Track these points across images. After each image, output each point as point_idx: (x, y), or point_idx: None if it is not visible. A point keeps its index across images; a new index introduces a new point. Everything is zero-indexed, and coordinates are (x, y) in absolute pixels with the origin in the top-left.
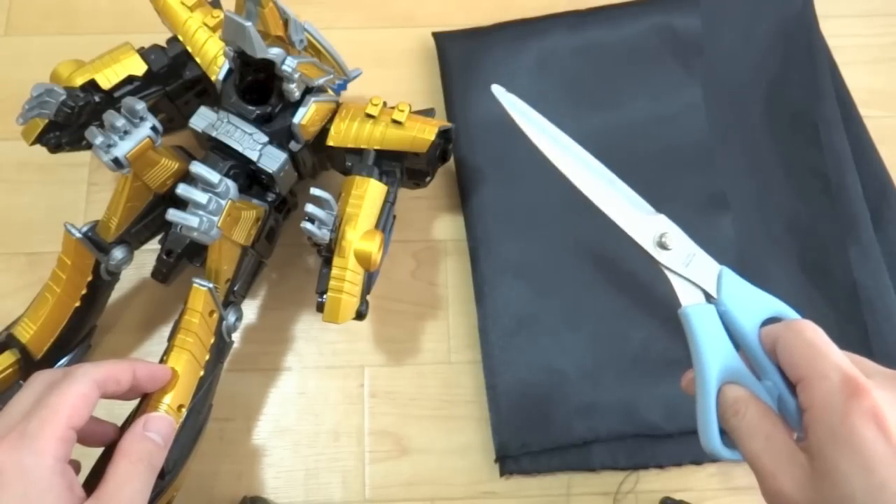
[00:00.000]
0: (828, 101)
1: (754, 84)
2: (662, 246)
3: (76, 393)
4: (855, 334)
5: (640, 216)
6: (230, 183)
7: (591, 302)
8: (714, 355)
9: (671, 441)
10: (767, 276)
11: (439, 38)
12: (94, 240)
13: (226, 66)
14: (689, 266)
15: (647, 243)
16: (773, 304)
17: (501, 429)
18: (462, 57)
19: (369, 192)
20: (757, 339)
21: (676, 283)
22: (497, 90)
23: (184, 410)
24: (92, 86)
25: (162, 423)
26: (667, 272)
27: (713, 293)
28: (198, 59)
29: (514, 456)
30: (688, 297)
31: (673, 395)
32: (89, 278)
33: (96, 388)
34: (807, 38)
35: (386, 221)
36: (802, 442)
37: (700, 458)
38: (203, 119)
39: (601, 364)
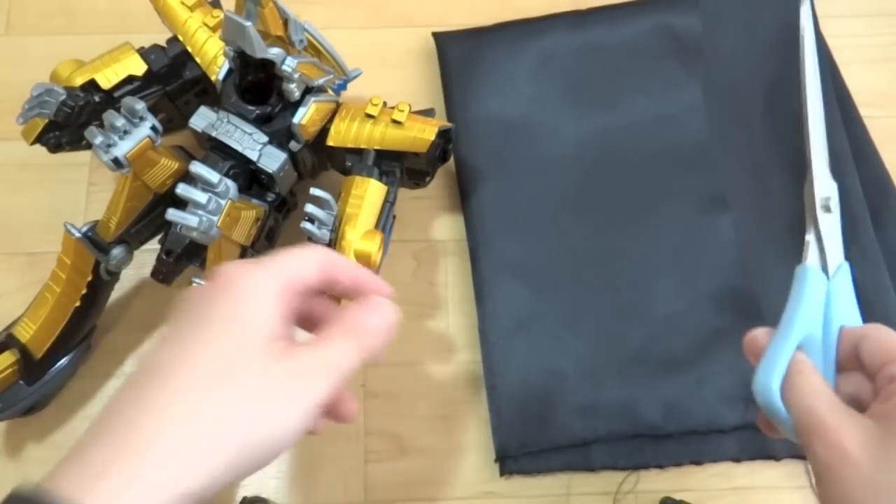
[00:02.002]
0: (828, 101)
1: (754, 84)
2: (826, 208)
3: (305, 259)
4: None
5: (825, 173)
6: (230, 183)
7: (590, 302)
8: (808, 316)
9: (671, 441)
10: (767, 276)
11: (439, 38)
12: (94, 240)
13: (226, 66)
14: (829, 239)
15: (818, 197)
16: (858, 318)
17: (501, 429)
18: (462, 57)
19: (369, 192)
20: (834, 335)
21: (812, 244)
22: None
23: None
24: (92, 86)
25: (391, 318)
26: (812, 229)
27: (829, 273)
28: (198, 59)
29: (514, 456)
30: (812, 260)
31: (673, 394)
32: (89, 278)
33: (321, 271)
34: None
35: (386, 221)
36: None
37: (700, 458)
38: (203, 119)
39: (601, 364)
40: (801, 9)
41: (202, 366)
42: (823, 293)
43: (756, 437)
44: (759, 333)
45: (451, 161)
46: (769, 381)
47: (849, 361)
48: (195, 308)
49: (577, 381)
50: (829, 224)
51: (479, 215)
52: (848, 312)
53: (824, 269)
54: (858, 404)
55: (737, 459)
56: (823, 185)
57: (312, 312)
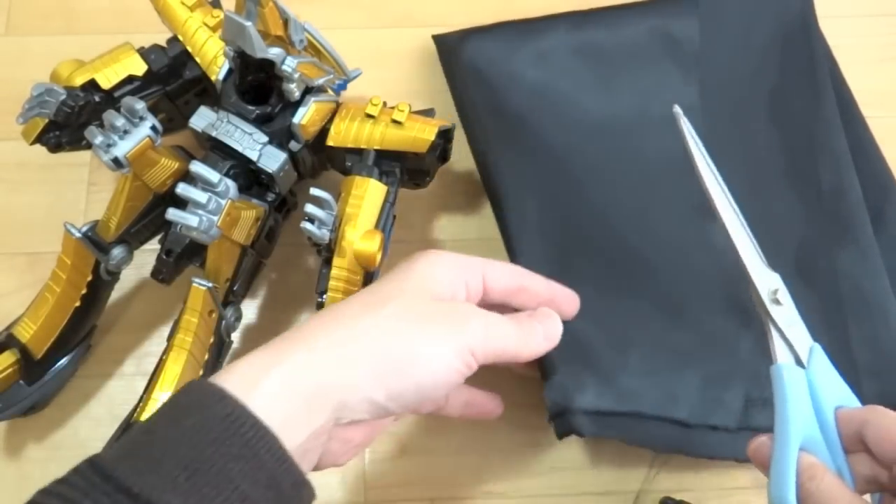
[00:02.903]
0: (827, 104)
1: (752, 90)
2: (776, 301)
3: (500, 263)
4: (839, 339)
5: (761, 267)
6: (230, 182)
7: (590, 299)
8: (799, 417)
9: (686, 432)
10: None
11: (439, 40)
12: (94, 240)
13: (226, 66)
14: (790, 328)
15: (764, 294)
16: (849, 395)
17: (551, 384)
18: (462, 57)
19: (369, 192)
20: (831, 419)
21: (776, 339)
22: (677, 111)
23: None
24: (92, 85)
25: (558, 331)
26: (771, 326)
27: (803, 362)
28: (198, 59)
29: (569, 412)
30: (782, 356)
31: (678, 390)
32: (89, 278)
33: (516, 278)
34: (806, 43)
35: (386, 221)
36: None
37: (709, 453)
38: (203, 119)
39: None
40: (680, 121)
41: (368, 297)
42: (805, 386)
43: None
44: (762, 442)
45: (453, 161)
46: (784, 496)
47: (854, 444)
48: (388, 273)
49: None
50: (785, 314)
51: (508, 209)
52: (836, 392)
53: (798, 360)
54: (878, 486)
55: (739, 460)
56: (765, 279)
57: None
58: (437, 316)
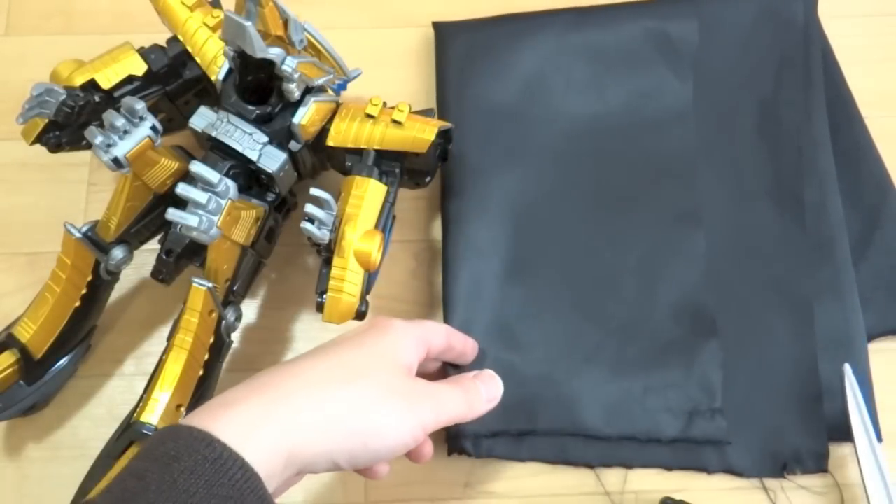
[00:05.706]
0: (819, 123)
1: (744, 103)
2: None
3: (438, 327)
4: (807, 354)
5: None
6: (230, 182)
7: (550, 296)
8: None
9: (605, 443)
10: (728, 294)
11: (438, 27)
12: (94, 240)
13: (226, 66)
14: None
15: None
16: None
17: None
18: (458, 46)
19: (369, 192)
20: None
21: None
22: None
23: (182, 410)
24: (92, 85)
25: (499, 392)
26: None
27: None
28: (198, 59)
29: (460, 435)
30: None
31: (617, 399)
32: (89, 278)
33: (447, 339)
34: (805, 58)
35: (386, 221)
36: None
37: (631, 463)
38: (203, 119)
39: (551, 358)
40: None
41: (344, 367)
42: None
43: (691, 449)
44: None
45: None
46: None
47: None
48: (353, 335)
49: (523, 372)
50: None
51: (458, 196)
52: None
53: None
54: None
55: (668, 468)
56: None
57: (429, 372)
58: (398, 396)
